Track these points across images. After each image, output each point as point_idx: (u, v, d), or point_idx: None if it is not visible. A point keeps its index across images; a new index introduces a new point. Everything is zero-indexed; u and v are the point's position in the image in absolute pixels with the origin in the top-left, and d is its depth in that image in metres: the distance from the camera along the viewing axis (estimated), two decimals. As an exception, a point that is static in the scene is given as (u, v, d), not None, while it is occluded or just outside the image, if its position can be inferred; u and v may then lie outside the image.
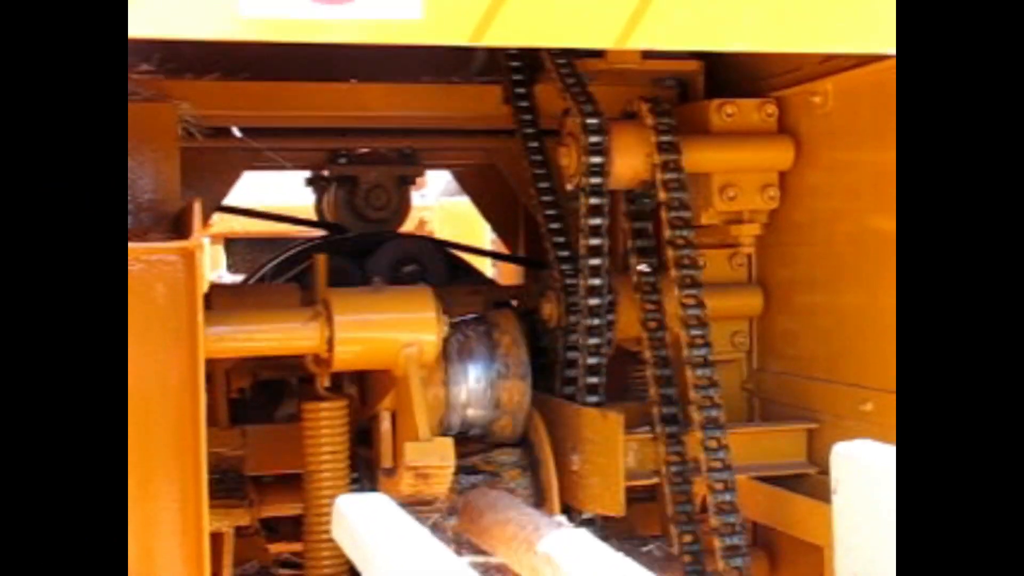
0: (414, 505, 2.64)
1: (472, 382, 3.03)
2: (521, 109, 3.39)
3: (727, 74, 3.34)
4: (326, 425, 2.84)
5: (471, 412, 3.05)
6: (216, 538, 2.68)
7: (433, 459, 2.60)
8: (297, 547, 3.22)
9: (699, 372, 2.95)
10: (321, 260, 2.85)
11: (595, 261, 3.05)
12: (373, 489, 2.78)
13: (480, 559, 2.77)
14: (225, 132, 3.53)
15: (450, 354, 3.00)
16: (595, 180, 3.01)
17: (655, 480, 3.05)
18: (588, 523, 2.98)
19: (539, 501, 3.02)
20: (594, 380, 3.05)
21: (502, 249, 4.72)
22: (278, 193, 5.79)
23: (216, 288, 3.01)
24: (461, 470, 2.92)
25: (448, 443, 2.63)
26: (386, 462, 2.74)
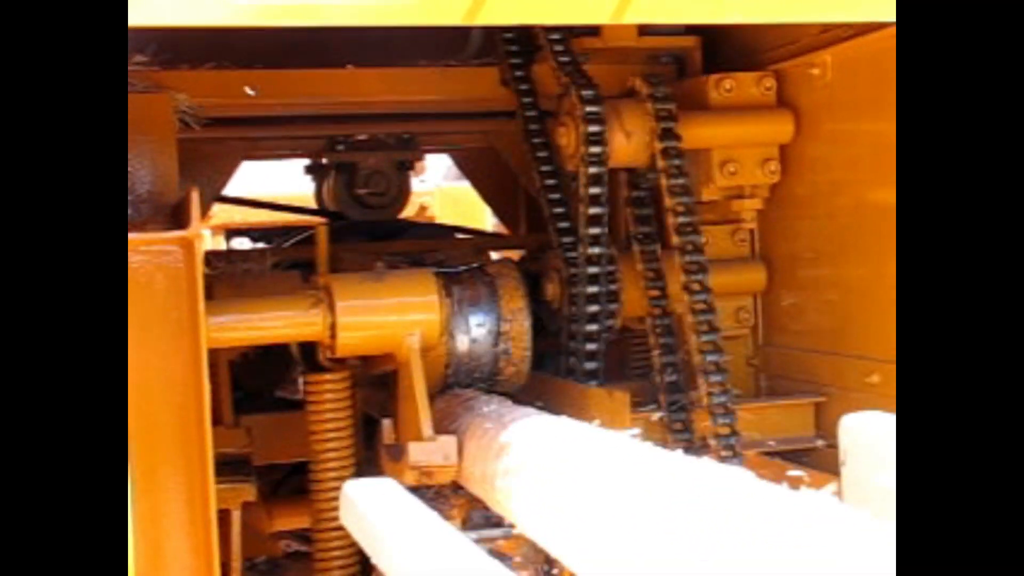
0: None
1: (474, 331, 2.99)
2: (520, 91, 3.37)
3: (724, 49, 3.32)
4: (330, 398, 2.85)
5: (474, 362, 3.00)
6: (223, 524, 2.66)
7: (436, 458, 2.57)
8: (300, 522, 3.22)
9: (708, 358, 2.93)
10: (323, 248, 2.84)
11: (595, 230, 3.03)
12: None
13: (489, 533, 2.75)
14: (224, 120, 3.51)
15: (451, 305, 2.95)
16: (594, 149, 2.99)
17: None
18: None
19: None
20: (593, 364, 3.04)
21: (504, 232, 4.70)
22: (278, 183, 5.76)
23: (217, 278, 3.00)
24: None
25: (451, 441, 2.58)
26: (388, 438, 2.72)
